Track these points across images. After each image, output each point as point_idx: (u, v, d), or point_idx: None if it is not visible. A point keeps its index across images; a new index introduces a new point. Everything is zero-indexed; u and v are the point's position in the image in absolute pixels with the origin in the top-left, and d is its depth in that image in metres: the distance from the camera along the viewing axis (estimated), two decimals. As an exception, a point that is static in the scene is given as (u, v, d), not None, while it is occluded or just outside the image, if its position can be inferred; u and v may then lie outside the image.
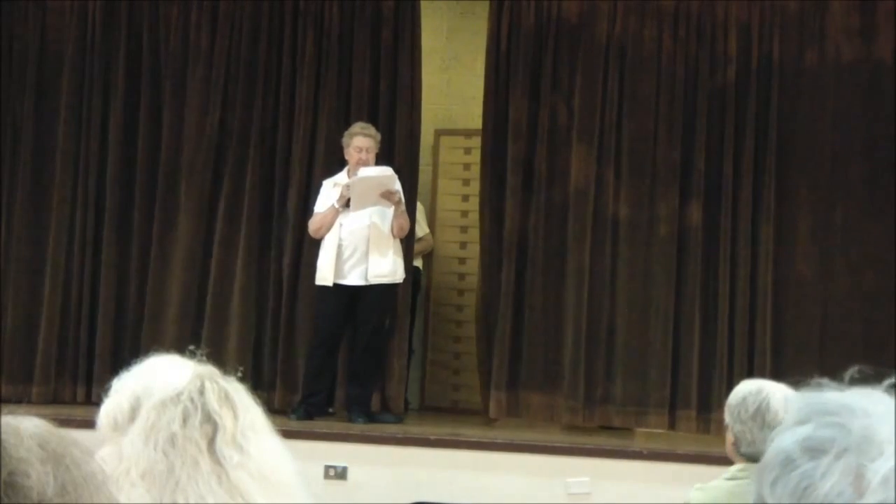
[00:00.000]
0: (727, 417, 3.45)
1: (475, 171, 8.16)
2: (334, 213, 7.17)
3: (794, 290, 7.49)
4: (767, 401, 3.37)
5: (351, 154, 7.24)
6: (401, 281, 7.38)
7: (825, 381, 1.16)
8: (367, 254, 7.17)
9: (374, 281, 7.17)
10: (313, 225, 7.26)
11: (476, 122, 8.08)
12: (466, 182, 8.64)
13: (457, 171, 8.74)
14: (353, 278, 7.17)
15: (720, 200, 7.54)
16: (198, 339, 7.25)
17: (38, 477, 1.15)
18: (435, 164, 8.86)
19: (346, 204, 7.14)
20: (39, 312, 7.73)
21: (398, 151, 7.77)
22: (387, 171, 7.21)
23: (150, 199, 7.80)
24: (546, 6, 7.75)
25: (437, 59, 8.80)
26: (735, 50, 7.60)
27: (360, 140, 7.22)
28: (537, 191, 7.68)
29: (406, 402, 7.91)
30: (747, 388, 3.45)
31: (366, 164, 7.20)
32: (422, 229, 8.33)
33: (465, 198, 8.64)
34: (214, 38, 7.85)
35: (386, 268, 7.20)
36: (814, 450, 1.06)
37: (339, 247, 7.16)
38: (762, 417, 3.35)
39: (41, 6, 7.93)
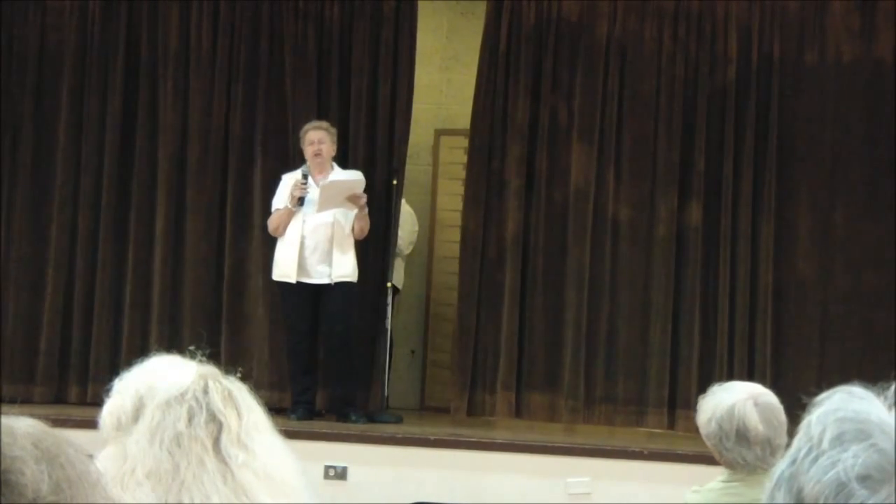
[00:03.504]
0: (709, 444, 3.32)
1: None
2: (289, 214, 7.18)
3: (794, 290, 7.49)
4: (743, 421, 3.24)
5: (306, 149, 7.25)
6: (356, 280, 7.35)
7: (835, 389, 1.13)
8: (330, 252, 7.17)
9: (337, 280, 7.18)
10: (270, 223, 7.26)
11: (476, 121, 8.08)
12: (466, 182, 8.63)
13: (457, 171, 8.72)
14: (316, 277, 7.16)
15: (720, 200, 7.54)
16: (204, 339, 7.23)
17: (32, 475, 1.16)
18: (435, 164, 8.86)
19: (299, 202, 7.15)
20: (41, 312, 7.73)
21: (395, 152, 7.77)
22: (356, 176, 7.26)
23: (150, 199, 7.80)
24: (546, 6, 7.76)
25: (437, 59, 8.81)
26: (735, 50, 7.61)
27: (312, 134, 7.25)
28: (537, 191, 7.69)
29: (385, 400, 7.78)
30: (718, 414, 3.29)
31: (320, 155, 7.22)
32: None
33: (466, 198, 8.63)
34: (215, 38, 7.85)
35: (348, 267, 7.22)
36: (867, 478, 1.03)
37: (302, 243, 7.16)
38: (745, 439, 3.24)
39: (41, 6, 7.92)
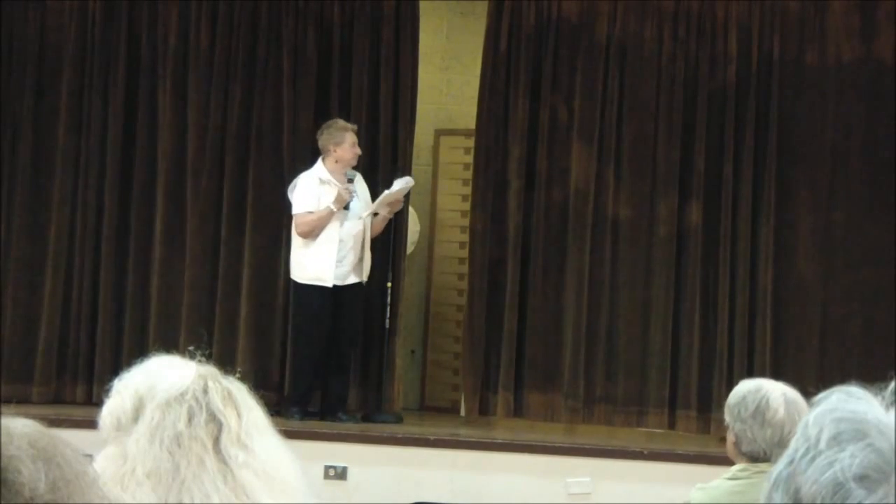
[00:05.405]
0: (727, 417, 3.46)
1: (475, 171, 8.16)
2: (330, 216, 7.11)
3: (794, 290, 7.50)
4: (767, 399, 3.37)
5: (346, 150, 7.19)
6: None
7: (836, 389, 1.12)
8: (360, 254, 7.22)
9: (366, 279, 7.26)
10: (307, 227, 7.10)
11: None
12: (466, 182, 8.62)
13: (457, 171, 8.73)
14: (350, 278, 7.18)
15: (720, 200, 7.54)
16: (205, 339, 7.24)
17: (29, 474, 1.17)
18: (435, 164, 8.86)
19: (345, 206, 7.13)
20: (40, 312, 7.72)
21: (400, 152, 7.78)
22: (411, 183, 7.40)
23: (150, 199, 7.80)
24: (546, 6, 7.76)
25: (437, 59, 8.80)
26: (735, 50, 7.61)
27: (353, 136, 7.25)
28: (537, 191, 7.69)
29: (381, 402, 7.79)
30: (746, 388, 3.46)
31: (358, 157, 7.26)
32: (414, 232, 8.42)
33: (465, 198, 8.63)
34: (214, 37, 7.85)
35: (368, 266, 7.31)
36: (865, 478, 1.02)
37: (339, 247, 7.16)
38: (762, 416, 3.36)
39: (41, 6, 7.92)
